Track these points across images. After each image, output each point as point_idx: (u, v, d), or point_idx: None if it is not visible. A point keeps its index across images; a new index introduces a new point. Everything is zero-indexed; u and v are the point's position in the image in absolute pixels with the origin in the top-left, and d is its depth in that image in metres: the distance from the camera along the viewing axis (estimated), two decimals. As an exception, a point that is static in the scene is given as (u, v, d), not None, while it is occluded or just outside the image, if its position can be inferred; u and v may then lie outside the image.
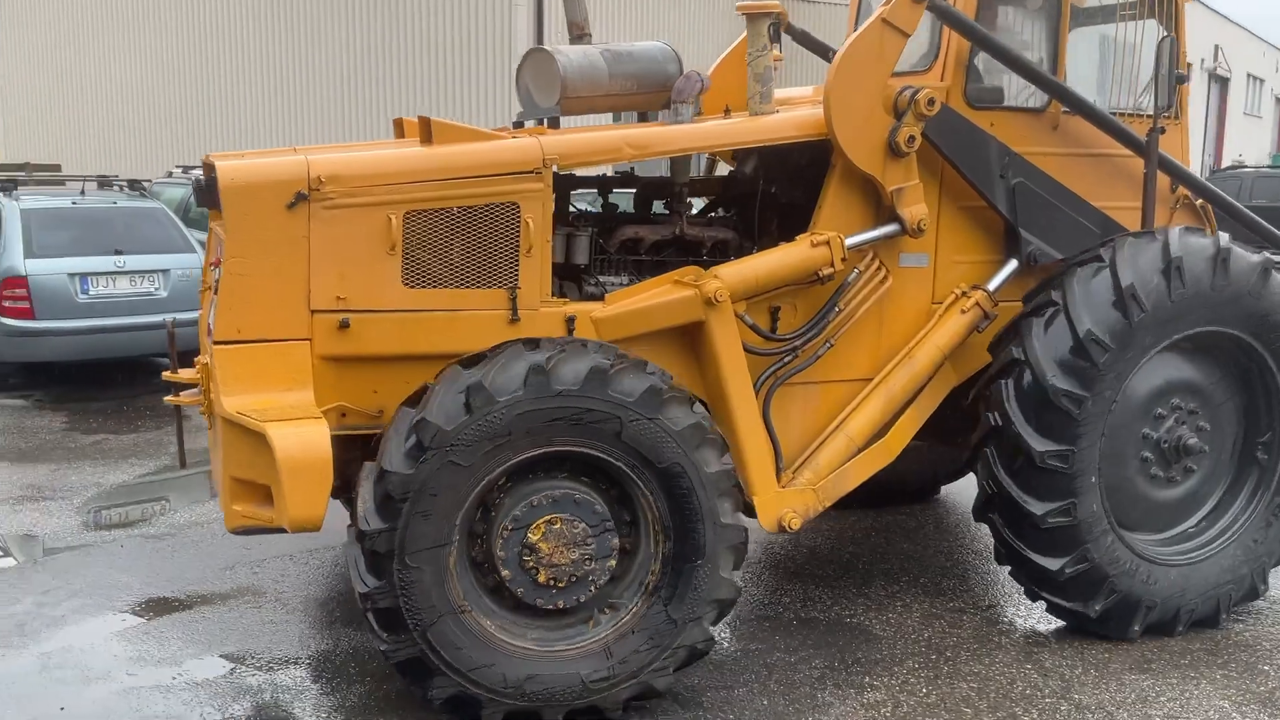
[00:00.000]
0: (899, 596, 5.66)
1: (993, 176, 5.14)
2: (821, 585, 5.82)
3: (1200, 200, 5.85)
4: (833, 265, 4.83)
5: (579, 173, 5.35)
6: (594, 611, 4.34)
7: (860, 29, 4.95)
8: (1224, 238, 5.13)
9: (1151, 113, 5.31)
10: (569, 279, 4.96)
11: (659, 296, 4.69)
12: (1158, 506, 5.30)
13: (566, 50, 5.36)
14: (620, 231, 5.21)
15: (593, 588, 4.27)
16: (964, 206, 5.25)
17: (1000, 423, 4.93)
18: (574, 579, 4.23)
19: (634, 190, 5.88)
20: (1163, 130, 5.26)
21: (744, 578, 5.96)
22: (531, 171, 4.49)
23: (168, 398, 4.77)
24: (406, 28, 19.71)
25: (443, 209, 4.41)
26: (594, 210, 5.72)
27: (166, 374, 4.77)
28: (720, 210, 6.05)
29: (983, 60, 5.26)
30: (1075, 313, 4.85)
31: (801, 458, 5.04)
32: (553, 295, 4.61)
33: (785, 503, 4.84)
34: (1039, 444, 4.84)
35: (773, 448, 4.89)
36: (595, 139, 4.85)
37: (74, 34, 25.26)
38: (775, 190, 5.59)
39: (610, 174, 5.73)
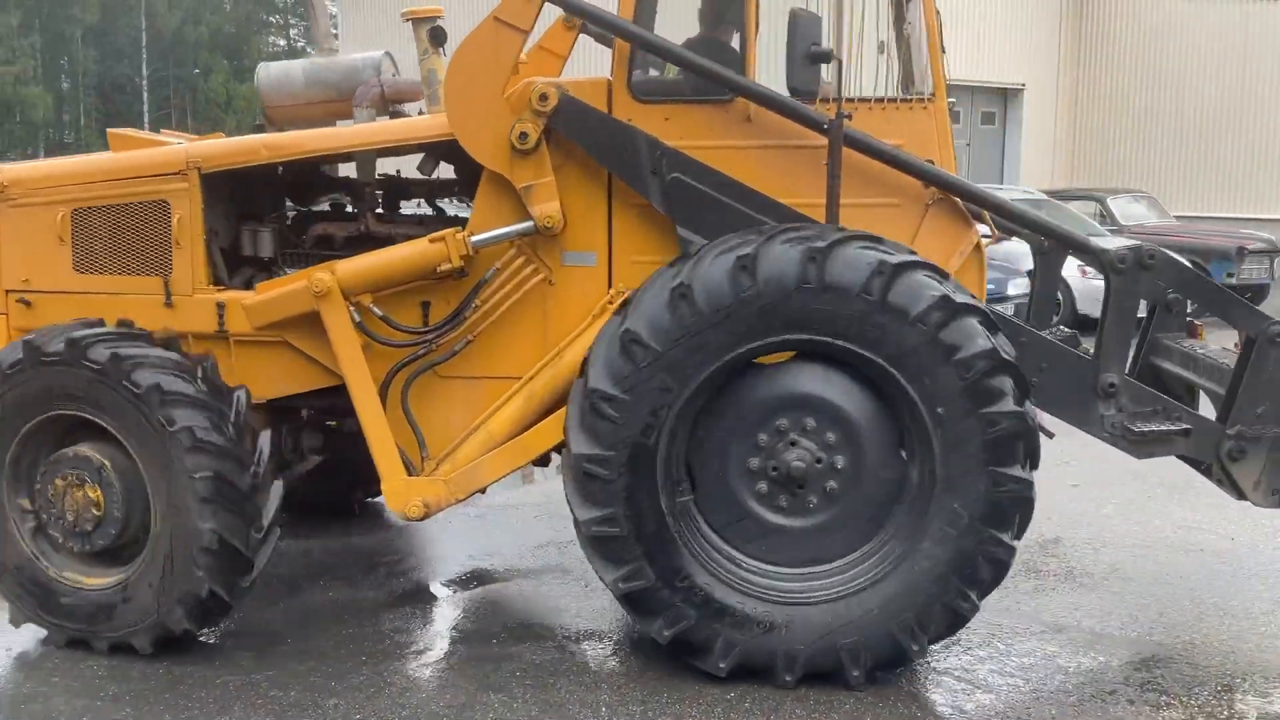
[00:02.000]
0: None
1: (642, 172, 4.81)
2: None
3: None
4: (450, 261, 4.86)
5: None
6: (129, 555, 4.91)
7: (475, 28, 4.87)
8: (829, 234, 4.46)
9: (919, 97, 4.92)
10: (264, 271, 5.47)
11: (287, 287, 5.04)
12: (790, 535, 4.69)
13: (272, 65, 5.94)
14: (313, 228, 5.59)
15: (106, 537, 4.84)
16: (640, 204, 4.92)
17: (566, 424, 4.68)
18: (92, 527, 4.84)
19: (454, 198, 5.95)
20: (848, 115, 4.65)
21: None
22: (176, 173, 5.17)
23: None
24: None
25: (101, 206, 5.25)
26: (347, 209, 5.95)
27: None
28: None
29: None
30: (626, 311, 4.56)
31: (448, 450, 5.08)
32: (212, 284, 5.18)
33: (413, 491, 4.95)
34: (577, 446, 4.56)
35: (415, 437, 5.05)
36: (235, 143, 5.40)
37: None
38: (458, 188, 5.70)
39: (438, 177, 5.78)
